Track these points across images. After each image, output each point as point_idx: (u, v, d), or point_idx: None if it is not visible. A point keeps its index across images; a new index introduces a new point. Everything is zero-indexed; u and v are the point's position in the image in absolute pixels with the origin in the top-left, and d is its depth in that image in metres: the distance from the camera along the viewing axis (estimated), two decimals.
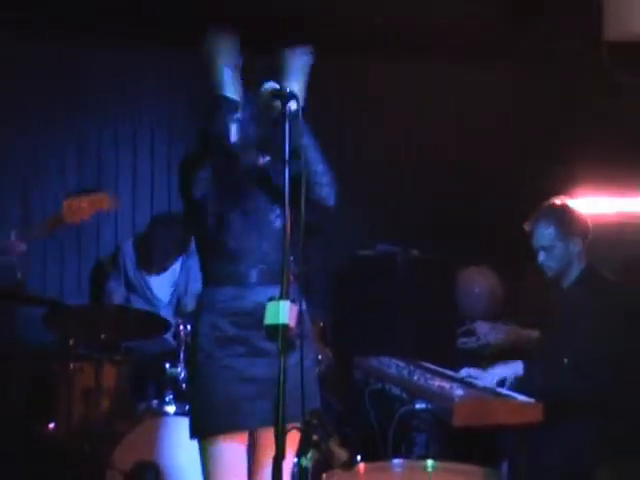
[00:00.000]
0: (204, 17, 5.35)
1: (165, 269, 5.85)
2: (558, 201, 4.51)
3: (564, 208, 4.49)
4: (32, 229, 4.58)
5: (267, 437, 3.47)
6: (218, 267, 3.60)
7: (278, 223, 3.55)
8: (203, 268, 3.71)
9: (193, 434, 3.55)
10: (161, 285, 5.85)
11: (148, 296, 5.74)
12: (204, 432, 3.51)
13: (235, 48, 3.45)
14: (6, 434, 4.95)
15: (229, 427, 3.50)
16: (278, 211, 3.55)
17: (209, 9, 5.56)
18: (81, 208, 4.45)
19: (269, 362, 3.45)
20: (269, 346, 3.41)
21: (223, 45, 3.43)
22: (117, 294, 5.70)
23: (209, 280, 3.65)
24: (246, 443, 3.58)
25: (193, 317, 3.71)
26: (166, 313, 5.65)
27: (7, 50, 5.84)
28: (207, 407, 3.50)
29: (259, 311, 3.33)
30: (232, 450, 3.53)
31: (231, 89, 3.42)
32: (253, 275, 3.55)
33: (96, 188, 4.63)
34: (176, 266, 5.87)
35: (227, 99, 3.40)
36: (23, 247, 4.48)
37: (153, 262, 5.82)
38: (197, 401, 3.56)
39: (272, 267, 3.53)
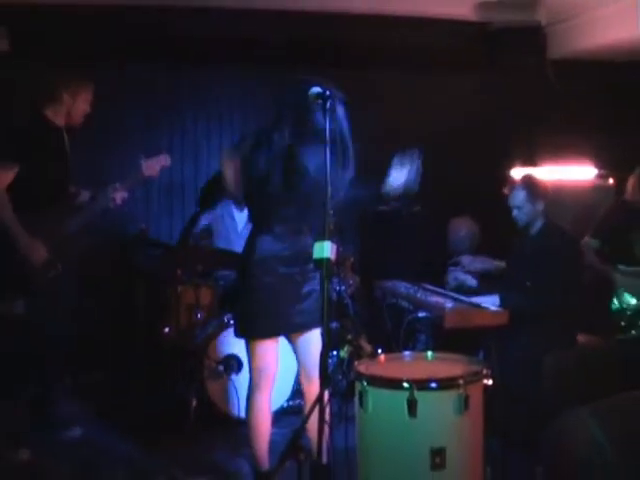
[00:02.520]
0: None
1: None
2: (529, 174, 4.55)
3: (533, 179, 4.54)
4: (128, 181, 4.54)
5: (297, 337, 3.62)
6: (268, 216, 3.56)
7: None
8: (252, 215, 3.70)
9: (241, 335, 3.62)
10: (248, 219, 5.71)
11: (232, 236, 5.58)
12: (253, 335, 3.58)
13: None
14: (136, 337, 5.03)
15: (271, 332, 3.58)
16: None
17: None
18: (152, 165, 4.52)
19: (299, 287, 3.53)
20: (298, 278, 3.53)
21: None
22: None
23: (258, 225, 3.62)
24: (279, 340, 3.65)
25: (245, 253, 3.66)
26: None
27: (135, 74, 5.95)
28: (256, 317, 3.54)
29: (295, 253, 3.50)
30: (270, 345, 3.61)
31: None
32: (293, 225, 3.54)
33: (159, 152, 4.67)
34: None
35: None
36: (125, 194, 4.51)
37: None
38: (248, 312, 3.58)
39: (298, 225, 3.55)
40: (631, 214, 4.90)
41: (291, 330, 3.65)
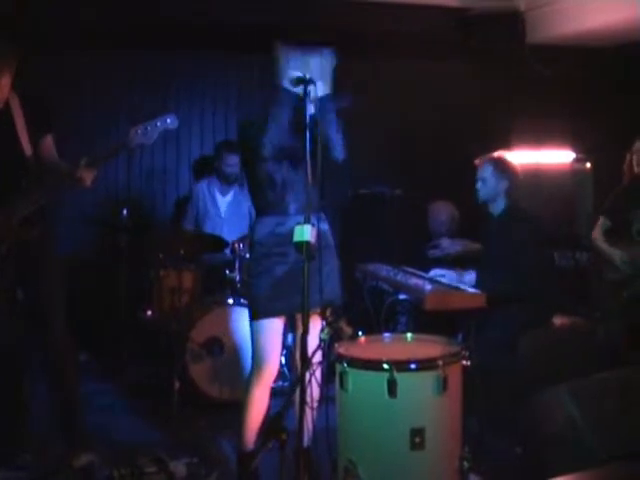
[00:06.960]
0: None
1: (230, 186, 5.69)
2: (499, 153, 4.54)
3: (501, 157, 4.52)
4: (99, 157, 3.59)
5: (299, 318, 3.50)
6: (267, 201, 3.51)
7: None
8: (254, 201, 3.62)
9: (252, 318, 3.53)
10: (228, 204, 5.72)
11: (214, 218, 5.61)
12: (258, 315, 3.48)
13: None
14: (121, 319, 5.00)
15: (274, 312, 3.49)
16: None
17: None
18: (147, 131, 3.62)
19: (300, 268, 3.48)
20: (300, 257, 3.47)
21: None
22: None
23: (259, 210, 3.56)
24: (283, 321, 3.56)
25: (249, 238, 3.63)
26: (228, 230, 5.55)
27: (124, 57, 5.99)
28: (260, 298, 3.47)
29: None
30: (273, 326, 3.52)
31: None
32: (292, 207, 3.48)
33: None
34: (238, 191, 5.71)
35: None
36: (94, 172, 3.58)
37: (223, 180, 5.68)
38: (254, 295, 3.51)
39: (305, 202, 3.43)
40: (630, 193, 4.82)
41: (294, 310, 3.51)
